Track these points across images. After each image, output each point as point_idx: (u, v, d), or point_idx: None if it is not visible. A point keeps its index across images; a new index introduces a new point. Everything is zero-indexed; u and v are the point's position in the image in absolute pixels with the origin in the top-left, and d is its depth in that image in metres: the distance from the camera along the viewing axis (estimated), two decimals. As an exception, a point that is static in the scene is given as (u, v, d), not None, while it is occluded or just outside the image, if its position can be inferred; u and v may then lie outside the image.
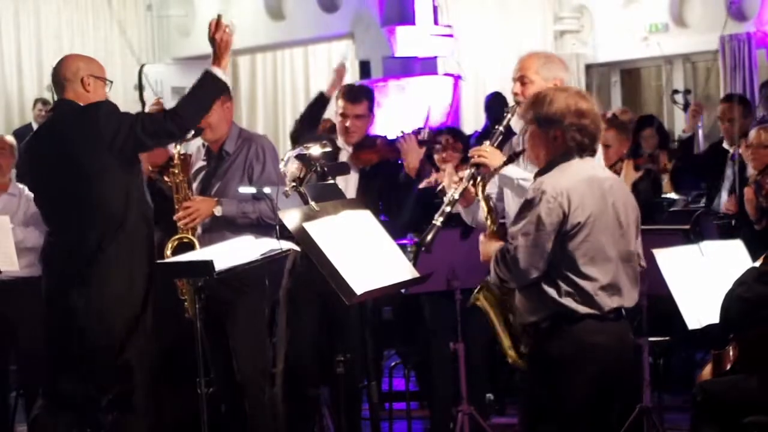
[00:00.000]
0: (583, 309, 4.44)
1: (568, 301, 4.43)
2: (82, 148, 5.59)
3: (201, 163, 6.38)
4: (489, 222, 4.75)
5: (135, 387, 5.63)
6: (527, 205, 4.42)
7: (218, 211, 6.06)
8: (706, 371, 5.81)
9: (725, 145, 8.55)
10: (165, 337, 6.58)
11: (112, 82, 5.93)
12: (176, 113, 5.68)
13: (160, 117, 5.76)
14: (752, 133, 7.67)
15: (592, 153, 4.57)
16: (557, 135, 4.49)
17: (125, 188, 5.65)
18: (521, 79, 5.41)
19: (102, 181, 5.59)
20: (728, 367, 5.63)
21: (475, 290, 4.84)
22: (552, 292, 4.44)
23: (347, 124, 6.86)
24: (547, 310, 4.47)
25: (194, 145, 6.63)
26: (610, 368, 4.52)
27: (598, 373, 4.47)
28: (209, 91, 5.74)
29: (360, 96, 6.95)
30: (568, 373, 4.44)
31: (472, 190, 4.99)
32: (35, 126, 13.61)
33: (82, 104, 5.72)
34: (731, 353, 5.64)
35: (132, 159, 5.72)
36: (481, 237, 4.75)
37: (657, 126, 10.48)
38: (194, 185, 6.34)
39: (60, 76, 5.83)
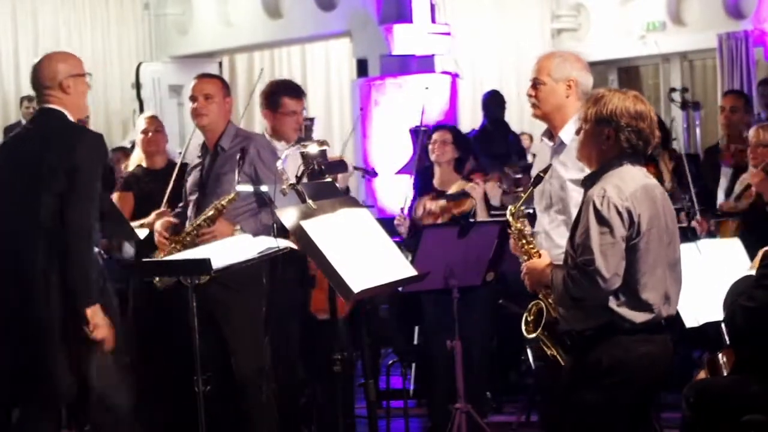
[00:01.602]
0: (638, 318, 4.39)
1: (624, 311, 4.38)
2: (49, 164, 5.36)
3: (197, 160, 6.38)
4: (527, 251, 4.71)
5: (109, 390, 5.54)
6: (596, 215, 4.34)
7: (239, 232, 6.00)
8: (701, 377, 5.79)
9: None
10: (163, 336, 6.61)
11: (91, 74, 5.65)
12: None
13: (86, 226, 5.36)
14: (751, 132, 7.67)
15: (643, 159, 4.51)
16: (610, 134, 4.42)
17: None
18: (534, 82, 5.36)
19: (54, 203, 5.34)
20: (725, 372, 5.62)
21: (533, 334, 4.66)
22: (611, 301, 4.38)
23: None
24: (600, 319, 4.40)
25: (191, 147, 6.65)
26: (657, 377, 4.51)
27: (647, 382, 4.46)
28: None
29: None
30: (618, 382, 4.39)
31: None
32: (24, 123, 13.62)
33: (66, 112, 5.49)
34: (724, 358, 5.64)
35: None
36: (526, 266, 4.68)
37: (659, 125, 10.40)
38: (189, 181, 6.34)
39: (38, 83, 5.56)
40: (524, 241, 4.74)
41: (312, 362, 6.68)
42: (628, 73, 17.52)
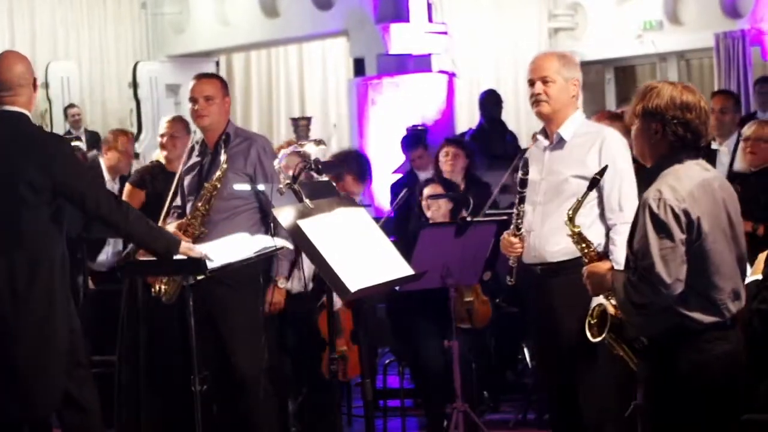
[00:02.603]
0: (709, 319, 4.25)
1: (695, 313, 4.24)
2: (23, 169, 5.24)
3: (195, 159, 6.36)
4: (588, 255, 4.57)
5: (80, 390, 5.51)
6: (653, 219, 4.19)
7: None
8: None
9: (714, 145, 8.52)
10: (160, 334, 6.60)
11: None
12: (128, 215, 5.38)
13: (114, 207, 5.37)
14: (752, 127, 7.59)
15: (697, 152, 4.36)
16: (657, 129, 4.29)
17: (49, 222, 5.32)
18: (544, 79, 5.35)
19: (30, 210, 5.26)
20: None
21: (599, 338, 4.51)
22: (679, 305, 4.24)
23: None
24: (670, 322, 4.27)
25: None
26: (738, 375, 4.37)
27: (728, 382, 4.32)
28: (161, 242, 5.45)
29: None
30: (701, 386, 4.26)
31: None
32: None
33: (29, 115, 5.38)
34: None
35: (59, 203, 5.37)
36: (587, 270, 4.53)
37: None
38: (187, 180, 6.32)
39: (10, 82, 5.33)
40: (584, 245, 4.60)
41: (304, 362, 6.70)
42: (625, 73, 17.53)
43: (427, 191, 7.34)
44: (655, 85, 4.37)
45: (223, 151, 6.00)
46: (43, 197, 5.26)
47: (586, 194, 4.75)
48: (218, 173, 6.01)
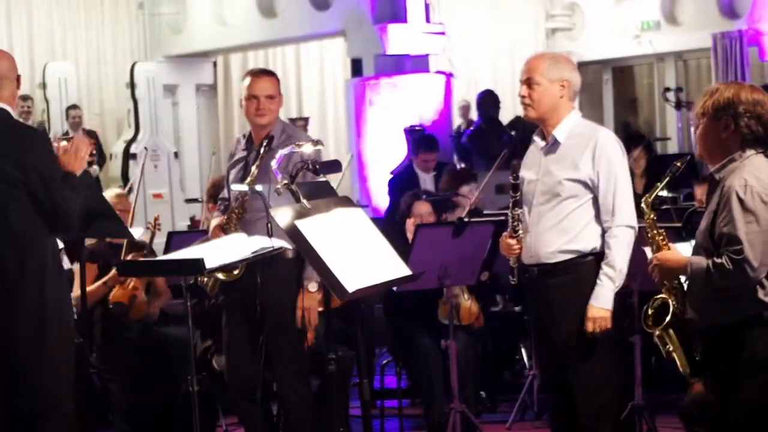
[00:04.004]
0: None
1: None
2: (2, 165, 5.18)
3: (241, 154, 6.31)
4: (657, 242, 4.58)
5: (64, 398, 5.47)
6: (741, 204, 4.27)
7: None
8: (698, 389, 5.72)
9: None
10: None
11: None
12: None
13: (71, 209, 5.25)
14: None
15: (765, 146, 4.42)
16: (728, 123, 4.36)
17: (35, 215, 5.23)
18: (528, 82, 5.35)
19: (15, 202, 5.19)
20: None
21: (654, 330, 4.53)
22: (760, 292, 4.29)
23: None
24: (746, 311, 4.32)
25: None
26: None
27: None
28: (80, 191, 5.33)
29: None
30: None
31: None
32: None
33: (10, 109, 5.30)
34: None
35: None
36: (657, 257, 4.55)
37: (646, 145, 10.20)
38: (232, 174, 6.26)
39: None
40: (656, 232, 4.61)
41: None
42: (623, 73, 17.54)
43: (421, 209, 7.35)
44: (720, 85, 4.45)
45: (260, 155, 5.97)
46: (23, 191, 5.17)
47: (664, 181, 4.68)
48: (251, 177, 5.95)
